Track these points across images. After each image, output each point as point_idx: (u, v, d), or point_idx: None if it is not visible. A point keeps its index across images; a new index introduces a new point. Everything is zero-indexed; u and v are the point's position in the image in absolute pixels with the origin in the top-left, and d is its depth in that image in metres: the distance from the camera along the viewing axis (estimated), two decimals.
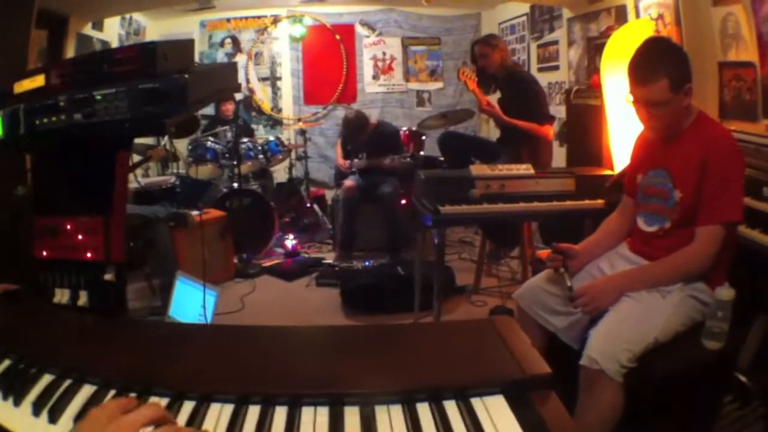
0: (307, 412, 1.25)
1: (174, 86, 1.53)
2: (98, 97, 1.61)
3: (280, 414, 1.25)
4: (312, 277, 6.26)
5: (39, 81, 1.79)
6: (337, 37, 9.15)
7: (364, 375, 1.34)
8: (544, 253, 3.21)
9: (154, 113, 1.55)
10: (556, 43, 6.92)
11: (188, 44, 1.84)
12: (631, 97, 2.74)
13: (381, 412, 1.24)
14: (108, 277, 1.76)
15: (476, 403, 1.26)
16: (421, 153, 7.29)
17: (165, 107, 1.54)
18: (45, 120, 1.68)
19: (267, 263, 6.72)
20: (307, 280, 6.24)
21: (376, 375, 1.34)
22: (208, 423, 1.23)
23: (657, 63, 2.63)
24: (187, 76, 1.53)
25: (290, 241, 6.97)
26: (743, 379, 2.91)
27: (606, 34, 5.36)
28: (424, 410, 1.24)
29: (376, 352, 1.48)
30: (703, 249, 2.60)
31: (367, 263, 6.36)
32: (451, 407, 1.25)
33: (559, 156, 6.22)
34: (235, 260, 6.52)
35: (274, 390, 1.30)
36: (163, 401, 1.29)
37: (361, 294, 5.36)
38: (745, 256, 2.81)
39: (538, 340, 2.97)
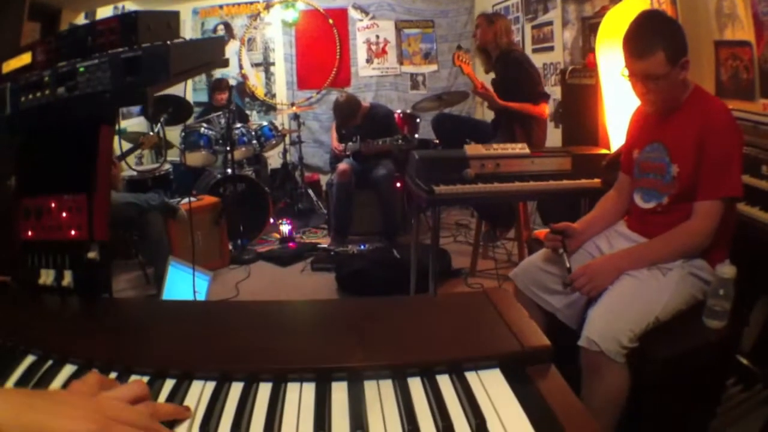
0: (292, 389, 1.21)
1: (155, 55, 1.50)
2: (81, 70, 1.58)
3: (264, 390, 1.20)
4: (307, 262, 6.23)
5: (26, 59, 1.77)
6: (330, 21, 9.12)
7: (353, 349, 1.29)
8: (541, 233, 3.17)
9: (136, 82, 1.52)
10: (550, 24, 6.88)
11: (172, 16, 1.79)
12: (626, 72, 2.70)
13: (370, 388, 1.20)
14: (91, 255, 1.74)
15: (471, 377, 1.21)
16: (416, 136, 7.25)
17: (146, 76, 1.51)
18: (30, 96, 1.66)
19: (262, 249, 6.70)
20: (302, 265, 6.21)
21: (366, 349, 1.30)
22: (189, 401, 1.18)
23: (652, 36, 2.59)
24: (169, 44, 1.50)
25: (285, 227, 6.94)
26: (746, 362, 2.88)
27: (600, 14, 5.32)
28: (415, 385, 1.20)
29: (366, 326, 1.44)
30: (703, 225, 2.56)
31: (362, 247, 6.36)
32: (444, 382, 1.20)
33: (554, 137, 6.18)
34: (230, 247, 6.49)
35: (257, 366, 1.26)
36: (144, 380, 1.23)
37: (357, 278, 5.34)
38: (745, 235, 2.78)
39: (537, 321, 2.93)
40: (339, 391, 1.19)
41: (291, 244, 6.73)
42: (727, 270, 2.44)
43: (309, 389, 1.20)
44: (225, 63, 2.07)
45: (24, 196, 1.80)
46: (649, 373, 2.41)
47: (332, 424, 1.10)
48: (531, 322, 1.34)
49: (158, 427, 1.04)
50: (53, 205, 1.76)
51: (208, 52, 1.95)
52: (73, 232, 1.75)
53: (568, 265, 2.77)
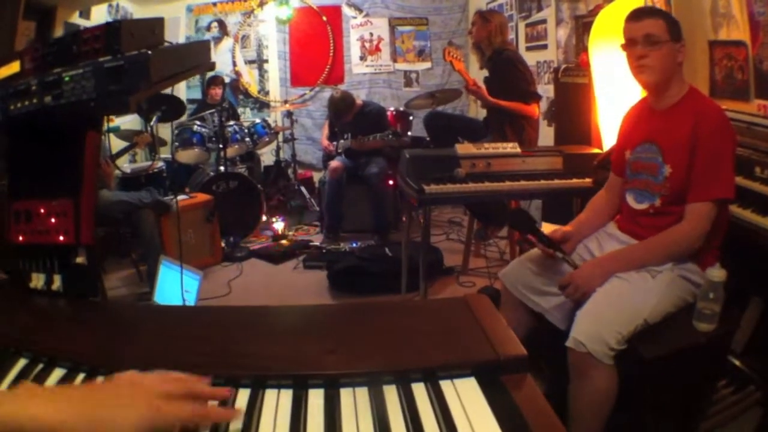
0: (270, 395, 1.22)
1: (137, 63, 1.52)
2: (66, 78, 1.61)
3: (243, 396, 1.22)
4: (299, 259, 6.25)
5: (15, 67, 1.79)
6: (324, 18, 9.11)
7: (331, 356, 1.31)
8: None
9: (118, 90, 1.54)
10: (544, 22, 6.87)
11: (157, 22, 1.81)
12: (625, 43, 2.74)
13: (346, 395, 1.21)
14: (79, 260, 1.76)
15: (446, 386, 1.22)
16: (409, 133, 7.26)
17: (128, 84, 1.53)
18: (19, 104, 1.68)
19: (254, 246, 6.71)
20: (294, 262, 6.22)
21: (343, 356, 1.31)
22: None
23: (653, 8, 2.68)
24: (150, 52, 1.52)
25: (278, 224, 6.95)
26: (737, 363, 2.88)
27: (594, 13, 5.32)
28: (390, 393, 1.21)
29: (343, 332, 1.46)
30: (694, 227, 2.56)
31: (354, 245, 6.36)
32: (419, 390, 1.22)
33: (547, 135, 6.19)
34: (223, 244, 6.49)
35: (237, 371, 1.28)
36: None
37: (348, 276, 5.35)
38: (738, 237, 2.78)
39: (525, 321, 2.96)
40: (315, 398, 1.21)
41: (277, 244, 6.75)
42: (716, 273, 2.43)
43: (286, 396, 1.22)
44: (211, 66, 2.09)
45: (15, 200, 1.83)
46: (638, 373, 2.42)
47: (307, 431, 1.12)
48: (508, 330, 1.34)
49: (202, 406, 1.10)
50: (42, 210, 1.79)
51: (193, 57, 1.96)
52: (61, 237, 1.78)
53: (577, 264, 2.79)
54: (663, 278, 2.57)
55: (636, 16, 2.70)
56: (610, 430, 2.50)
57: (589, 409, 2.46)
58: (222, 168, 6.86)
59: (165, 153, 7.39)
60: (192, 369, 1.27)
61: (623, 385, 2.43)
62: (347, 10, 9.17)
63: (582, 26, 5.98)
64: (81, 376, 1.33)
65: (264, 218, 7.12)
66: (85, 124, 1.76)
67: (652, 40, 2.62)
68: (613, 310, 2.45)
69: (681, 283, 2.60)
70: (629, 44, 2.70)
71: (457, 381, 1.23)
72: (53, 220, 1.78)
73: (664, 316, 2.52)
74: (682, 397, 2.56)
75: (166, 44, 1.84)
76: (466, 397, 1.18)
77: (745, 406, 2.82)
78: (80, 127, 1.76)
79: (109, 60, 1.56)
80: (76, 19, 6.74)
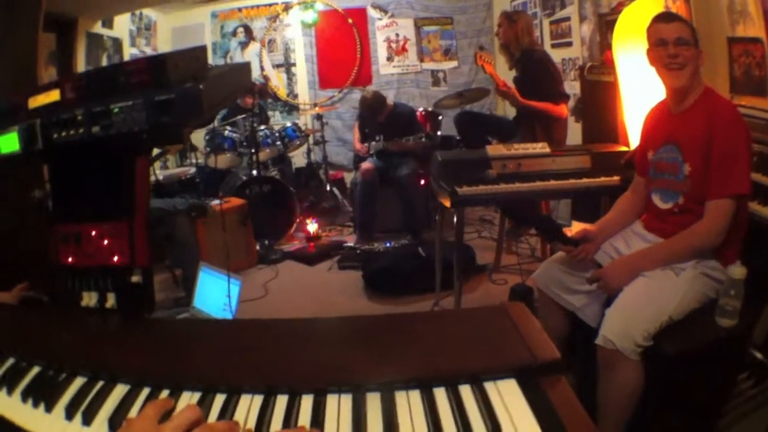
0: (331, 400, 1.30)
1: (189, 95, 1.55)
2: (116, 110, 1.61)
3: (307, 402, 1.29)
4: (334, 260, 6.32)
5: (54, 96, 1.78)
6: (350, 20, 9.19)
7: (384, 363, 1.39)
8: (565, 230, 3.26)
9: (171, 122, 1.56)
10: (568, 19, 6.89)
11: (200, 51, 1.82)
12: (653, 43, 2.82)
13: (401, 398, 1.29)
14: (135, 279, 1.78)
15: (490, 388, 1.30)
16: (438, 133, 7.32)
17: (181, 116, 1.56)
18: (63, 133, 1.68)
19: (289, 248, 6.80)
20: (329, 263, 6.30)
21: (395, 363, 1.39)
22: (239, 414, 1.27)
23: (680, 15, 2.80)
24: (201, 86, 1.55)
25: (311, 226, 7.04)
26: (759, 356, 2.93)
27: (617, 10, 5.36)
28: (441, 395, 1.29)
29: (394, 340, 1.53)
30: (713, 223, 2.63)
31: (387, 245, 6.43)
32: (466, 392, 1.29)
33: (575, 132, 6.23)
34: (257, 247, 6.59)
35: (300, 380, 1.35)
36: (195, 396, 1.34)
37: (383, 276, 5.41)
38: (758, 234, 2.84)
39: (560, 320, 3.04)
40: (373, 402, 1.28)
41: (311, 245, 6.85)
42: (737, 271, 2.52)
43: (347, 400, 1.30)
44: (251, 87, 2.15)
45: (60, 223, 1.85)
46: (662, 368, 2.50)
47: None
48: (544, 334, 1.42)
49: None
50: (94, 232, 1.80)
51: (237, 81, 2.01)
52: (116, 258, 1.79)
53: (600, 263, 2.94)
54: (686, 275, 2.66)
55: (667, 18, 2.79)
56: (635, 422, 2.59)
57: (617, 402, 2.56)
58: (254, 172, 6.92)
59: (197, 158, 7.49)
60: (256, 380, 1.36)
61: (648, 379, 2.52)
62: (372, 12, 9.24)
63: (605, 24, 6.00)
64: (145, 392, 1.37)
65: (297, 220, 7.18)
66: (135, 150, 1.78)
67: (683, 41, 2.70)
68: (640, 308, 2.54)
69: (704, 280, 2.68)
70: (659, 44, 2.77)
71: (499, 383, 1.31)
72: (106, 242, 1.79)
73: (687, 312, 2.61)
74: (704, 391, 2.61)
75: (210, 68, 1.90)
76: (508, 398, 1.26)
77: (764, 399, 2.86)
78: (130, 153, 1.78)
79: (160, 92, 1.58)
80: (98, 29, 6.77)
